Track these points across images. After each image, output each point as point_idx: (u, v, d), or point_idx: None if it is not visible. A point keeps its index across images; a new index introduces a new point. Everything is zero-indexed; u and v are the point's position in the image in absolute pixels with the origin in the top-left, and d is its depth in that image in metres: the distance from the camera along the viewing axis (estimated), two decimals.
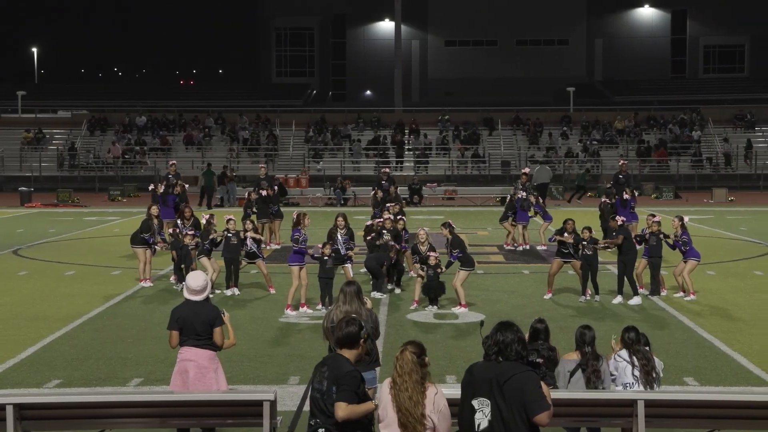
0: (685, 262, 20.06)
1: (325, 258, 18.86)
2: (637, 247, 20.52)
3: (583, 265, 20.09)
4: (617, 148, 62.16)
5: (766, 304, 19.82)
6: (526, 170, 31.25)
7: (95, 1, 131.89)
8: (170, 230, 22.81)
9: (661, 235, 20.19)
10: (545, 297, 20.47)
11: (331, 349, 10.20)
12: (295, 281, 18.93)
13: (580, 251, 20.06)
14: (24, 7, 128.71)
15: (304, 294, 19.19)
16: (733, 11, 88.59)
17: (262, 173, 32.68)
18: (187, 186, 30.97)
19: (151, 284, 22.08)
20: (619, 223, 20.56)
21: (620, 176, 31.56)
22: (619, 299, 19.91)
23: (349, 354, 8.01)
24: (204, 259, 20.66)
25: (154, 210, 22.99)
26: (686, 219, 20.56)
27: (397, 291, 21.51)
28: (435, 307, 19.31)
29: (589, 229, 20.21)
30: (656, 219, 20.44)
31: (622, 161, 35.65)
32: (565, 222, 20.62)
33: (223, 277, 21.48)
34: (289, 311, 18.79)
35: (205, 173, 47.79)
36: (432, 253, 19.55)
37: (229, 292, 21.17)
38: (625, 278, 20.03)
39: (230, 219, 21.31)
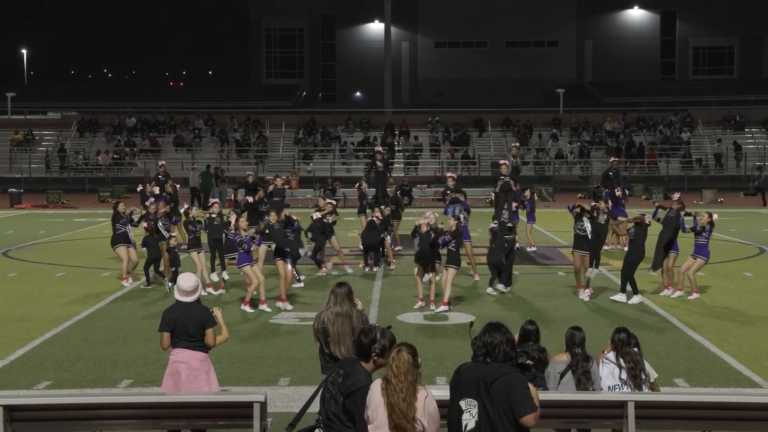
0: (694, 258, 20.22)
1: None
2: (650, 221, 20.65)
3: (593, 234, 20.29)
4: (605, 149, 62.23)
5: (756, 305, 19.86)
6: (504, 162, 30.46)
7: (85, 3, 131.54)
8: (145, 224, 23.02)
9: (683, 212, 20.49)
10: (581, 297, 20.40)
11: (321, 350, 10.21)
12: (254, 280, 19.25)
13: (595, 219, 20.42)
14: (13, 8, 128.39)
15: (283, 289, 19.60)
16: (723, 13, 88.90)
17: (250, 180, 32.51)
18: (178, 186, 31.07)
19: (131, 283, 22.36)
20: (646, 222, 20.65)
21: (610, 173, 31.55)
22: (620, 297, 20.02)
23: (367, 365, 8.06)
24: (193, 254, 20.75)
25: (121, 207, 23.13)
26: (715, 217, 20.78)
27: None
28: (430, 275, 19.34)
29: (606, 202, 20.95)
30: (676, 197, 21.07)
31: (612, 158, 35.73)
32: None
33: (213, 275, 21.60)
34: (247, 307, 19.20)
35: (203, 174, 47.98)
36: (422, 220, 19.68)
37: (215, 277, 21.29)
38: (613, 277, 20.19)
39: (215, 202, 21.84)
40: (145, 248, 22.54)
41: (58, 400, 9.79)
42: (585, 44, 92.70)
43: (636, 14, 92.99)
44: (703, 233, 20.23)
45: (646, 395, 9.87)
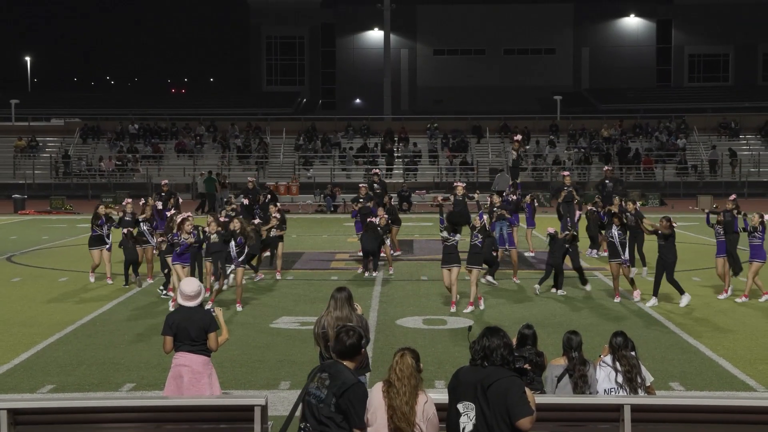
0: (750, 263, 20.46)
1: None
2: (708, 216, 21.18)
3: (631, 238, 20.49)
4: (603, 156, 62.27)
5: (751, 310, 19.87)
6: (566, 173, 31.05)
7: (88, 11, 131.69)
8: (124, 231, 23.48)
9: (736, 211, 20.66)
10: (615, 300, 20.63)
11: (321, 354, 10.22)
12: (181, 276, 19.67)
13: (626, 222, 20.54)
14: (17, 17, 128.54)
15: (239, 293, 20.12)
16: (718, 21, 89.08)
17: (250, 186, 32.58)
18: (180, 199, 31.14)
19: (111, 282, 23.29)
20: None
21: (606, 181, 31.46)
22: (686, 299, 20.17)
23: (350, 364, 8.03)
24: (177, 266, 20.57)
25: (101, 209, 24.04)
26: (767, 217, 21.01)
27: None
28: (458, 234, 19.66)
29: (633, 202, 21.40)
30: (732, 197, 21.51)
31: (605, 168, 35.66)
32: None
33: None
34: (172, 304, 19.60)
35: (206, 180, 48.18)
36: (459, 183, 20.33)
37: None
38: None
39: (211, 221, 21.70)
40: (121, 248, 23.16)
41: (61, 404, 9.78)
42: (582, 52, 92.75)
43: (632, 22, 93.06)
44: (756, 233, 20.40)
45: (641, 398, 9.89)
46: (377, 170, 34.73)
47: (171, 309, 19.19)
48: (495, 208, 23.93)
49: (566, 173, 29.71)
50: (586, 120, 68.11)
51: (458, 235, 19.60)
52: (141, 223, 23.53)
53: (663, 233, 19.91)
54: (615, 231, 20.42)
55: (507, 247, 25.15)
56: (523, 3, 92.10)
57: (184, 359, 10.49)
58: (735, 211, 21.15)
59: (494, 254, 22.10)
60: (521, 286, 22.89)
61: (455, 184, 21.30)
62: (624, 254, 20.43)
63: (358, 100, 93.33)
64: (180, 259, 20.04)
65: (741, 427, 9.80)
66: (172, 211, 22.51)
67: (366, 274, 24.60)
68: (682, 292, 20.18)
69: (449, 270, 19.54)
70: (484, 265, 21.05)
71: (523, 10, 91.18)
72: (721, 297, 20.98)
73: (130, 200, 24.68)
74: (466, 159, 61.84)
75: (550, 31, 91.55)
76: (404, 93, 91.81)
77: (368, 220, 24.96)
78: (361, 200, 27.62)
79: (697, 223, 39.43)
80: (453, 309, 19.56)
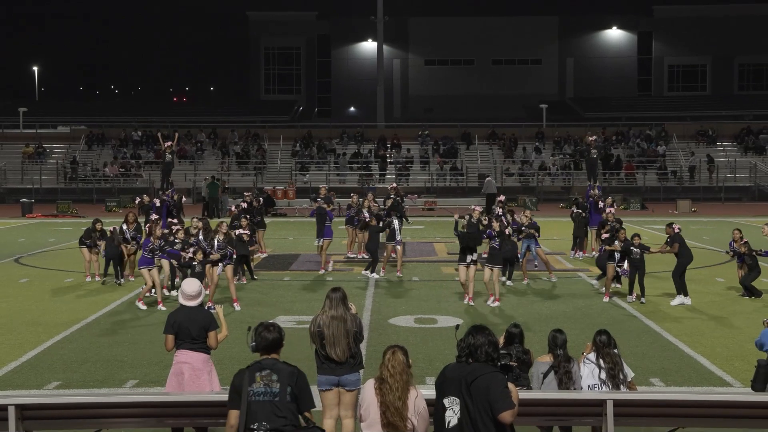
0: None
1: (194, 264, 19.69)
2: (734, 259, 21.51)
3: (631, 269, 20.45)
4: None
5: (728, 308, 19.91)
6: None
7: (93, 23, 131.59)
8: (110, 228, 24.00)
9: (755, 252, 20.88)
10: (605, 300, 20.83)
11: (318, 352, 10.22)
12: (148, 280, 20.09)
13: (629, 256, 20.46)
14: (25, 28, 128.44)
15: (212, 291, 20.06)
16: (696, 33, 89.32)
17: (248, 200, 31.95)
18: (184, 199, 31.11)
19: (94, 279, 23.71)
20: (676, 230, 20.75)
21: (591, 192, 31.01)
22: (680, 299, 20.35)
23: (275, 356, 8.12)
24: (144, 270, 20.44)
25: (98, 226, 24.20)
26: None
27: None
28: (475, 254, 20.16)
29: (638, 236, 20.80)
30: (744, 241, 21.36)
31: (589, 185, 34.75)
32: (617, 231, 21.37)
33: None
34: (140, 304, 19.93)
35: (210, 185, 48.14)
36: (477, 207, 20.59)
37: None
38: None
39: (178, 229, 21.75)
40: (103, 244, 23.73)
41: (67, 400, 9.77)
42: (567, 62, 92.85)
43: (615, 34, 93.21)
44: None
45: (624, 394, 9.89)
46: (395, 184, 34.59)
47: (161, 309, 19.52)
48: (524, 227, 23.76)
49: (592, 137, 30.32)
50: (570, 127, 68.17)
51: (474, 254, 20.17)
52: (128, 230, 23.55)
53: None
54: (626, 266, 20.62)
55: (536, 263, 24.91)
56: (510, 15, 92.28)
57: (185, 357, 10.47)
58: (754, 252, 21.35)
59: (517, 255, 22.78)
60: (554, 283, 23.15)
61: (473, 207, 21.31)
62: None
63: (352, 108, 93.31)
64: (149, 262, 20.19)
65: (718, 420, 9.82)
66: (154, 217, 22.73)
67: (364, 273, 24.60)
68: (679, 292, 20.33)
69: (467, 267, 20.09)
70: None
71: (510, 22, 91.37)
72: None
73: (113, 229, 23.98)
74: (456, 165, 61.88)
75: (536, 42, 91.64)
76: (397, 101, 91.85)
77: (364, 220, 25.06)
78: (319, 199, 27.41)
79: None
80: (471, 303, 20.15)
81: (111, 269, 23.81)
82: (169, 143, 32.51)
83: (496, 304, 20.13)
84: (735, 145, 65.24)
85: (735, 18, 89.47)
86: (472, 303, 20.23)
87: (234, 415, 7.71)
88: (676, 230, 20.70)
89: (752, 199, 58.25)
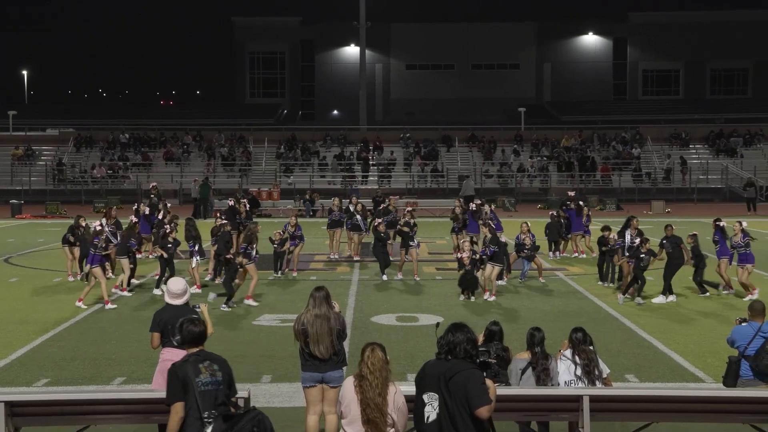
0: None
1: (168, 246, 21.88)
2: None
3: (636, 269, 20.49)
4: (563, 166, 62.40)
5: (700, 307, 19.99)
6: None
7: (81, 27, 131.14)
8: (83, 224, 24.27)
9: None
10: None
11: (302, 349, 10.20)
12: (101, 279, 20.10)
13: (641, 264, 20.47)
14: (14, 32, 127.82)
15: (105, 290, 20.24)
16: (669, 40, 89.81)
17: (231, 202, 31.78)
18: (169, 204, 30.94)
19: (77, 279, 23.57)
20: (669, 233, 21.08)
21: (568, 202, 30.48)
22: (663, 298, 20.49)
23: (201, 348, 8.18)
24: (97, 269, 20.44)
25: (82, 222, 24.38)
26: (744, 224, 21.23)
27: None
28: (471, 298, 20.80)
29: (647, 241, 20.78)
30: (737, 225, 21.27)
31: (570, 192, 33.78)
32: (642, 244, 20.87)
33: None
34: (80, 303, 19.87)
35: (202, 186, 48.01)
36: (465, 254, 20.96)
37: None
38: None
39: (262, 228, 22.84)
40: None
41: (55, 397, 9.72)
42: (544, 67, 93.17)
43: (591, 40, 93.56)
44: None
45: (599, 390, 9.91)
46: (395, 197, 34.26)
47: (107, 308, 19.58)
48: (525, 249, 23.61)
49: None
50: (548, 130, 68.38)
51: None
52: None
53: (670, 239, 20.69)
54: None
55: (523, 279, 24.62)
56: (489, 21, 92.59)
57: (170, 354, 10.42)
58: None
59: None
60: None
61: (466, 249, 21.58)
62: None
63: (335, 112, 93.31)
64: (99, 260, 20.32)
65: (691, 415, 9.87)
66: (134, 220, 22.97)
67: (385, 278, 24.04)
68: (665, 291, 20.43)
69: (491, 267, 20.90)
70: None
71: (489, 28, 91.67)
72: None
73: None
74: (437, 167, 61.92)
75: (515, 47, 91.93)
76: (379, 105, 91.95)
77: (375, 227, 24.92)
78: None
79: (651, 226, 39.65)
80: (491, 298, 20.68)
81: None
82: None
83: (492, 298, 20.63)
84: (707, 147, 65.53)
85: (707, 24, 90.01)
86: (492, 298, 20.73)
87: (181, 407, 7.82)
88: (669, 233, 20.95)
89: (724, 199, 58.53)
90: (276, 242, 24.87)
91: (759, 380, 10.61)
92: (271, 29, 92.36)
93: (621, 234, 22.42)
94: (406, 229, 24.67)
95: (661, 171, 61.59)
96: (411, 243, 24.48)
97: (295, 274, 24.90)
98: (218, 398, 7.84)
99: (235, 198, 30.14)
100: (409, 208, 26.92)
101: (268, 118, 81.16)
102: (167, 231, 22.66)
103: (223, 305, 19.56)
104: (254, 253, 20.78)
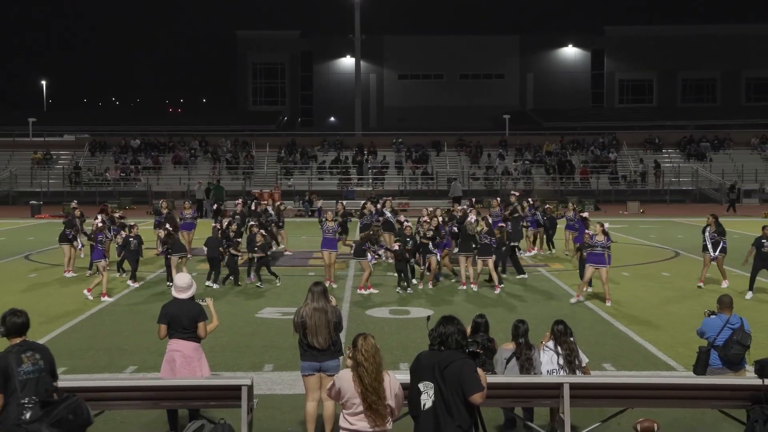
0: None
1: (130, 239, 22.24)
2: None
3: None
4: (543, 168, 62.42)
5: (673, 300, 20.00)
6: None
7: (97, 41, 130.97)
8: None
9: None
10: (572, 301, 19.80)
11: (301, 341, 10.19)
12: (104, 273, 20.32)
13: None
14: (34, 45, 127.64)
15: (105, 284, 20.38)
16: (643, 52, 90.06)
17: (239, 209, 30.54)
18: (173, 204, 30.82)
19: (75, 275, 23.76)
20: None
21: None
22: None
23: (26, 338, 8.16)
24: (101, 263, 20.72)
25: (77, 212, 25.13)
26: (606, 225, 19.97)
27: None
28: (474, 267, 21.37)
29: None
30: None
31: (547, 205, 32.43)
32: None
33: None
34: (87, 293, 20.19)
35: (216, 188, 47.93)
36: (472, 217, 21.76)
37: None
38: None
39: (133, 225, 22.90)
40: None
41: (72, 384, 9.68)
42: (527, 77, 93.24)
43: (570, 52, 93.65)
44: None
45: (579, 378, 9.93)
46: (390, 198, 32.99)
47: (90, 298, 19.91)
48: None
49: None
50: (531, 136, 68.37)
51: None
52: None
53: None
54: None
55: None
56: (476, 34, 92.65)
57: (176, 345, 10.41)
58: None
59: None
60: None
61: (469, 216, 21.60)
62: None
63: (332, 118, 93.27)
64: (101, 255, 20.75)
65: (664, 401, 9.89)
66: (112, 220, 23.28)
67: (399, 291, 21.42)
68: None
69: (481, 261, 21.37)
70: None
71: (476, 40, 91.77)
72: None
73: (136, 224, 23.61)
74: (427, 170, 61.92)
75: (500, 58, 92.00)
76: (373, 112, 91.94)
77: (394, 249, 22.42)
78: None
79: (626, 225, 39.74)
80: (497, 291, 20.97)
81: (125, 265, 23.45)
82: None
83: (475, 288, 21.20)
84: (678, 152, 65.63)
85: (678, 38, 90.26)
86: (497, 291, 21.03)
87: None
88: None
89: (694, 200, 58.72)
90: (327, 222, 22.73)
91: (727, 369, 10.64)
92: (273, 42, 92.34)
93: (702, 232, 21.97)
94: (425, 240, 22.21)
95: (636, 174, 61.69)
96: (431, 251, 22.03)
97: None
98: (41, 384, 7.86)
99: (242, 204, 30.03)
100: (426, 218, 24.03)
101: (270, 124, 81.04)
102: (254, 232, 22.51)
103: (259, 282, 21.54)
104: (380, 252, 22.06)
